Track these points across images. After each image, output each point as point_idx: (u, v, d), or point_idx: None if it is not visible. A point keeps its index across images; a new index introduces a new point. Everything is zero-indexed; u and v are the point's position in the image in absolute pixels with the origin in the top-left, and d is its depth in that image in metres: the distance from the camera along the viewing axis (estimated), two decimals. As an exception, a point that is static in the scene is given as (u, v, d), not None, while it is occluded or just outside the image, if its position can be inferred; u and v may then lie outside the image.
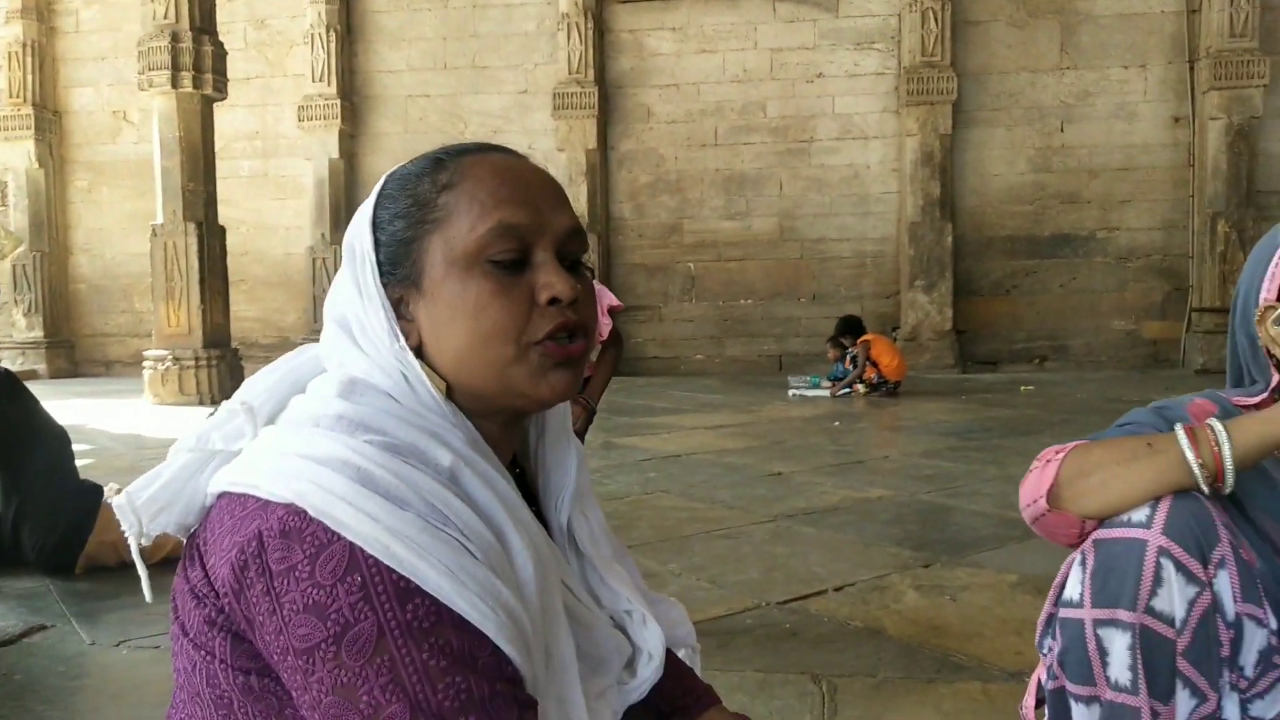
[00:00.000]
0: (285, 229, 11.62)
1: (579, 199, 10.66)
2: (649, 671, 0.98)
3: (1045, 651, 1.26)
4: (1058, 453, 1.23)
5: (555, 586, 0.86)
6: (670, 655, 1.07)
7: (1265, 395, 1.27)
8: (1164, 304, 10.37)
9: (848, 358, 8.56)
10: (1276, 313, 1.22)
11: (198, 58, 8.13)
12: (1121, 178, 10.33)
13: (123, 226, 11.66)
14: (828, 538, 3.55)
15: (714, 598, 2.86)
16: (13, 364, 11.18)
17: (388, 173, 0.92)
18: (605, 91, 10.93)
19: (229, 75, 8.68)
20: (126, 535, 0.87)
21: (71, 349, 11.86)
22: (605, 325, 3.26)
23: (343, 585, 0.72)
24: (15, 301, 11.50)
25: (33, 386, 3.42)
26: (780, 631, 2.57)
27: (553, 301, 0.84)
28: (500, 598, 0.76)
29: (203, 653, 0.80)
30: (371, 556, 0.72)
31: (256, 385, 0.91)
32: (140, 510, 0.86)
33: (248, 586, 0.75)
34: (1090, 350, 10.41)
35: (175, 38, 8.05)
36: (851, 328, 8.63)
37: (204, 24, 8.27)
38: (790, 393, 8.46)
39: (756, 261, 10.90)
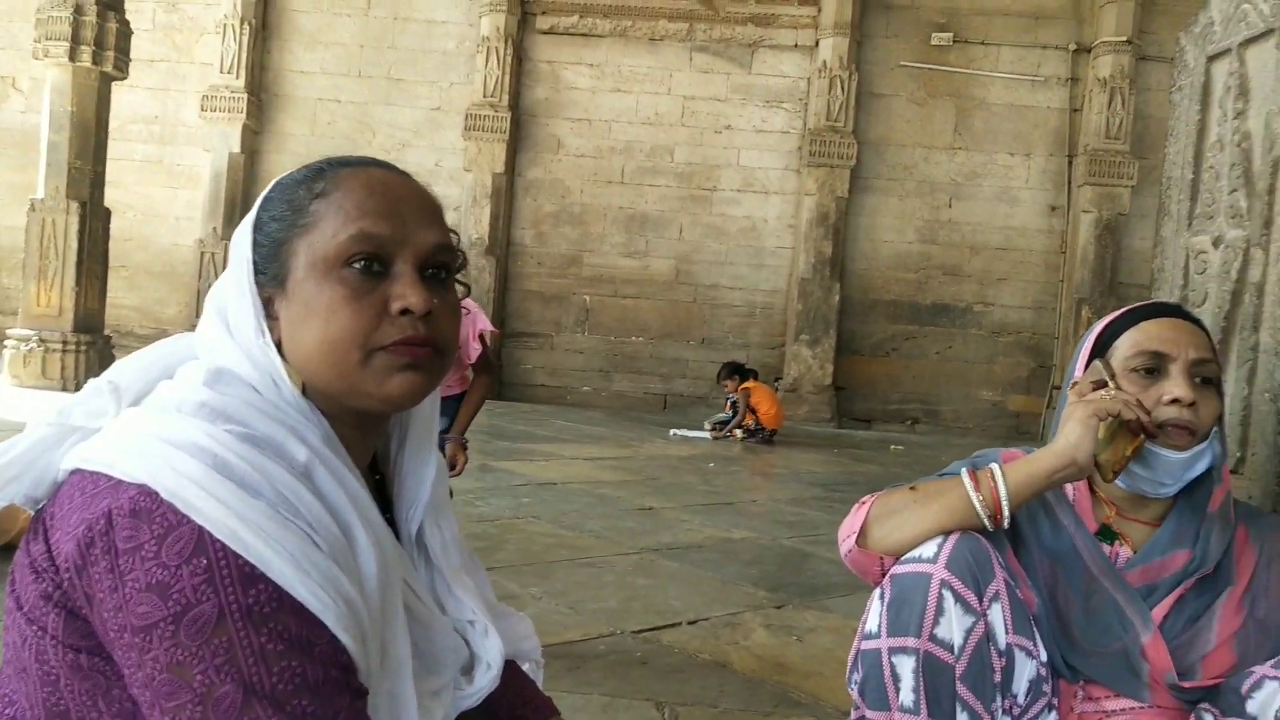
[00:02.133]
0: (175, 219, 11.27)
1: (482, 220, 10.68)
2: (485, 681, 1.01)
3: (852, 686, 1.37)
4: (873, 498, 1.36)
5: (396, 586, 0.89)
6: (513, 667, 1.12)
7: None
8: (1029, 379, 10.95)
9: (729, 402, 8.78)
10: (1079, 385, 1.38)
11: (100, 33, 7.90)
12: (1000, 256, 10.91)
13: (-1, 197, 11.14)
14: (688, 573, 3.66)
15: (570, 622, 2.92)
16: None
17: (277, 178, 0.96)
18: (518, 118, 11.01)
19: (133, 55, 8.43)
20: None
21: (-73, 319, 11.22)
22: (474, 349, 3.23)
23: (188, 566, 0.73)
24: None
25: None
26: (631, 659, 2.66)
27: (404, 312, 0.87)
28: (341, 589, 0.79)
29: (35, 628, 0.81)
30: (219, 541, 0.74)
31: (126, 366, 0.94)
32: None
33: (91, 564, 0.76)
34: (959, 417, 10.90)
35: (79, 9, 7.80)
36: (735, 370, 8.85)
37: None
38: (671, 432, 8.62)
39: (651, 301, 11.09)
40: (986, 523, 1.29)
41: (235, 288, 0.91)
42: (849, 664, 1.40)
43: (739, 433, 8.46)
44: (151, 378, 0.92)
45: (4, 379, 7.90)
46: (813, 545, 4.38)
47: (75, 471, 0.82)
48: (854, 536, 1.35)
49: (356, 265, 0.87)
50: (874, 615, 1.30)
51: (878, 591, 1.33)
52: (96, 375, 0.92)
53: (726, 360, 9.74)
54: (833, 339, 10.66)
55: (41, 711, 0.81)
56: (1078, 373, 1.43)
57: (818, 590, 3.58)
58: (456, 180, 10.67)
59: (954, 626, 1.23)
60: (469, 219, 10.70)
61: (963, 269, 10.93)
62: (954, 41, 10.84)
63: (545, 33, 11.11)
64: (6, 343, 8.01)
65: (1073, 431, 1.27)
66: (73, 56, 7.82)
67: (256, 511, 0.77)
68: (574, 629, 2.85)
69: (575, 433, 8.20)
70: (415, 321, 0.88)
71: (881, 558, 1.33)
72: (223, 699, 0.72)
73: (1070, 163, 10.80)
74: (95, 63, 7.92)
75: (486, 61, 10.81)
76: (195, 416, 0.82)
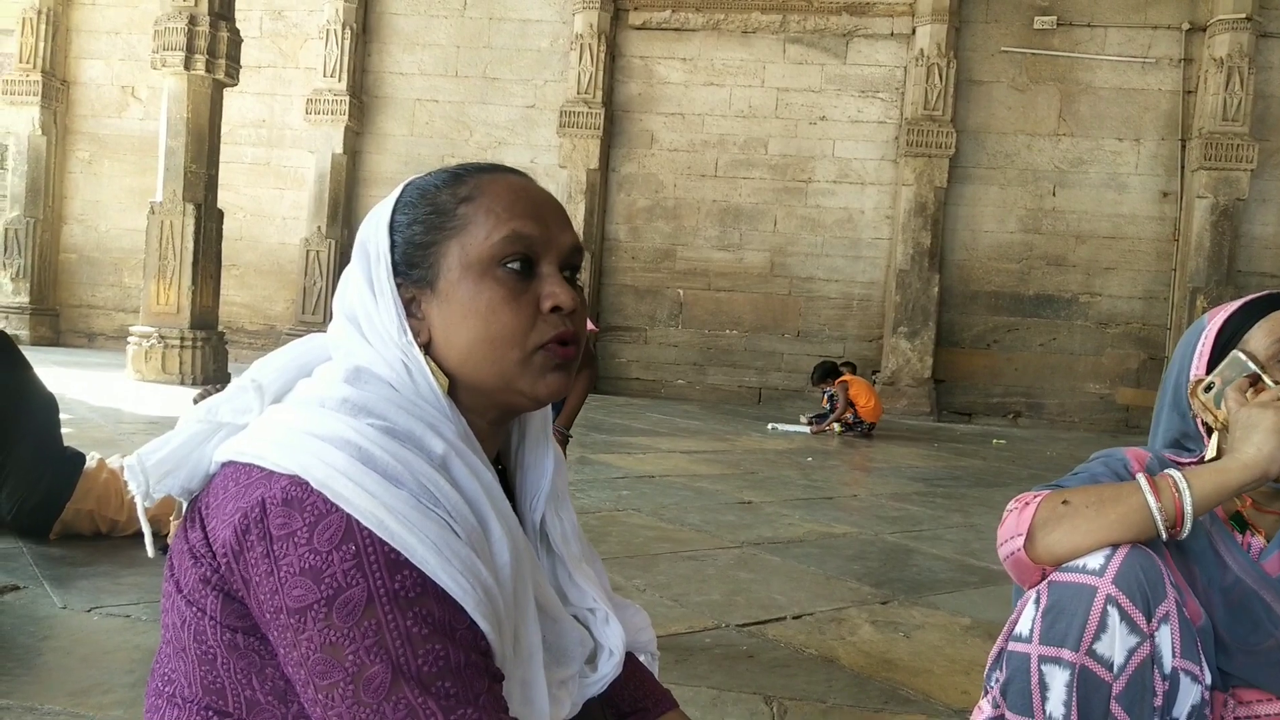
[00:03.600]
0: (282, 219, 11.66)
1: (577, 216, 10.77)
2: (609, 667, 1.03)
3: (992, 684, 1.34)
4: (1035, 497, 1.31)
5: (528, 576, 0.92)
6: (631, 658, 1.13)
7: (1195, 461, 1.37)
8: (1139, 372, 10.56)
9: (825, 396, 8.68)
10: (1204, 383, 1.32)
11: (213, 42, 8.20)
12: (1108, 245, 10.54)
13: (120, 201, 11.68)
14: (790, 568, 3.64)
15: (675, 615, 2.93)
16: (-5, 327, 11.15)
17: (406, 181, 0.98)
18: (612, 114, 11.07)
19: (242, 62, 8.75)
20: (133, 494, 0.93)
21: (56, 317, 11.84)
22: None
23: (338, 552, 0.77)
24: (4, 265, 11.48)
25: None
26: (737, 653, 2.65)
27: (555, 310, 0.92)
28: (479, 576, 0.82)
29: (194, 609, 0.85)
30: (366, 528, 0.78)
31: (267, 366, 0.98)
32: (150, 471, 0.92)
33: (248, 549, 0.80)
34: (1064, 410, 10.58)
35: (193, 20, 8.12)
36: (828, 373, 8.74)
37: (222, 9, 8.34)
38: (769, 426, 8.56)
39: (745, 294, 11.03)
40: (1163, 533, 1.24)
41: (371, 290, 0.93)
42: (990, 660, 1.37)
43: (837, 426, 8.36)
44: (289, 376, 0.96)
45: (128, 373, 8.29)
46: (915, 540, 4.31)
47: (228, 464, 0.87)
48: (1020, 539, 1.29)
49: (511, 266, 0.91)
50: (1026, 619, 1.27)
51: (1032, 595, 1.29)
52: (211, 370, 0.98)
53: (825, 353, 9.65)
54: (932, 331, 10.45)
55: (199, 689, 0.86)
56: (1196, 369, 1.36)
57: (923, 586, 3.52)
58: (552, 177, 10.79)
59: (1116, 645, 1.19)
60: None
61: (1067, 259, 10.59)
62: (1057, 25, 10.50)
63: (638, 28, 11.13)
64: (129, 339, 8.40)
65: (1266, 442, 1.20)
66: (188, 65, 8.13)
67: (400, 500, 0.80)
68: (679, 621, 2.86)
69: (671, 426, 8.22)
70: (564, 318, 0.92)
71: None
72: (373, 679, 0.76)
73: (1183, 147, 10.36)
74: (208, 70, 8.22)
75: (580, 58, 10.89)
76: (339, 411, 0.86)
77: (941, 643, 2.88)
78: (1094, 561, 1.22)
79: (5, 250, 11.47)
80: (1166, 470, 1.26)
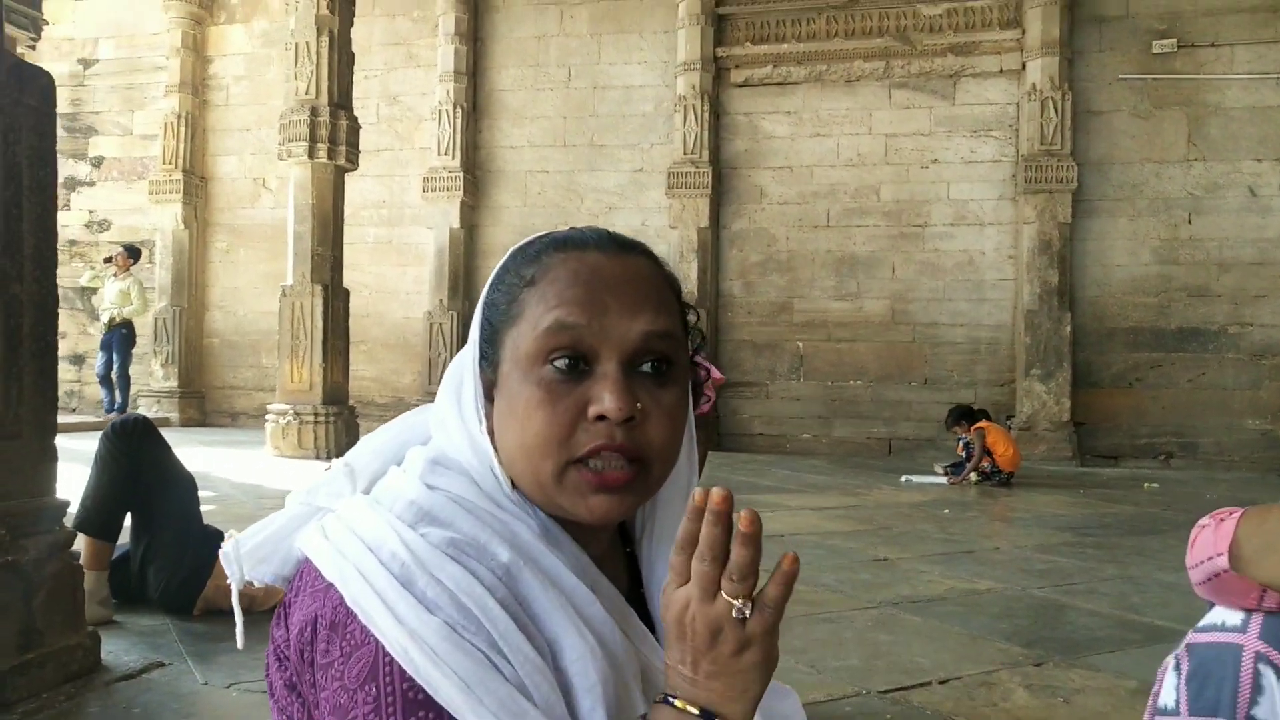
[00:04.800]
0: (405, 294, 12.04)
1: (690, 275, 10.77)
2: None
3: None
4: (1230, 513, 1.17)
5: (634, 689, 0.81)
6: None
7: None
8: (1303, 405, 9.83)
9: (960, 444, 8.35)
10: None
11: (333, 131, 8.60)
12: (1255, 272, 9.92)
13: (255, 286, 12.28)
14: (933, 628, 3.45)
15: (813, 682, 2.79)
16: (149, 411, 11.80)
17: (514, 246, 0.91)
18: (719, 171, 11.10)
19: (360, 147, 9.13)
20: (229, 581, 0.91)
21: (202, 399, 12.45)
22: (705, 400, 3.17)
23: (362, 692, 0.71)
24: (155, 352, 12.17)
25: (166, 434, 3.60)
26: (881, 721, 2.50)
27: (601, 418, 0.79)
28: (523, 716, 0.71)
29: (284, 717, 0.82)
30: (390, 661, 0.71)
31: (365, 446, 0.94)
32: (244, 558, 0.89)
33: (304, 670, 0.77)
34: (1221, 449, 9.91)
35: (314, 112, 8.54)
36: (963, 415, 8.41)
37: (341, 100, 8.75)
38: (903, 479, 8.27)
39: (867, 343, 10.79)
40: None
41: (467, 367, 0.88)
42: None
43: (974, 476, 8.02)
44: (387, 457, 0.91)
45: (267, 450, 8.61)
46: (1068, 596, 4.04)
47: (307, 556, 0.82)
48: (1224, 556, 1.13)
49: (557, 363, 0.80)
50: (1169, 689, 1.13)
51: (1170, 661, 1.15)
52: (344, 444, 0.94)
53: (954, 400, 9.31)
54: (1067, 372, 9.98)
55: None
56: None
57: (1079, 646, 3.28)
58: (663, 238, 10.84)
59: (1278, 707, 1.04)
60: (676, 274, 10.78)
61: (1211, 288, 10.01)
62: (1178, 47, 10.07)
63: (740, 86, 11.19)
64: (267, 417, 8.74)
65: None
66: (311, 154, 8.54)
67: (430, 629, 0.72)
68: (817, 689, 2.72)
69: (798, 482, 8.03)
70: (613, 429, 0.79)
71: (1263, 588, 1.12)
72: None
73: (1332, 162, 9.73)
74: (330, 158, 8.62)
75: (685, 120, 10.98)
76: (400, 517, 0.80)
77: (1106, 708, 2.66)
78: (1233, 618, 1.09)
79: (155, 338, 12.16)
80: None
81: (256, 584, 0.91)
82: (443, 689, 0.70)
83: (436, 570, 0.75)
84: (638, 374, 0.82)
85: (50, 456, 2.69)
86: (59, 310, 2.81)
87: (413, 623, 0.72)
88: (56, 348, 2.77)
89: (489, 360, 0.85)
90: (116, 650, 2.90)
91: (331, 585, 0.76)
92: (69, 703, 2.50)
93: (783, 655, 2.69)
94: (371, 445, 0.94)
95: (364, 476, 0.90)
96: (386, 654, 0.71)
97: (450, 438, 0.86)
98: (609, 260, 0.85)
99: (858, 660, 3.03)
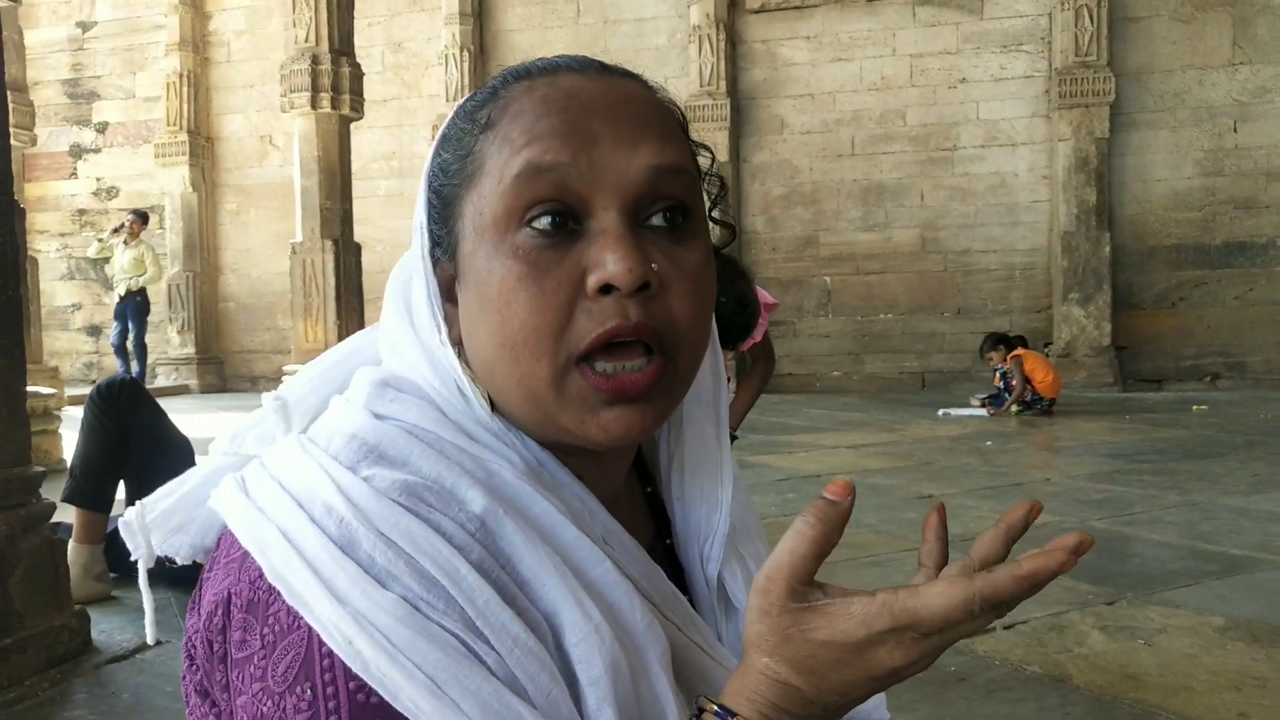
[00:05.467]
0: (419, 247, 11.77)
1: (710, 213, 10.42)
2: None
3: None
4: None
5: (655, 665, 0.58)
6: None
7: None
8: (1360, 316, 9.40)
9: (996, 374, 8.04)
10: None
11: (336, 79, 8.27)
12: (1305, 180, 9.44)
13: (268, 246, 12.05)
14: (990, 568, 3.19)
15: (865, 633, 2.55)
16: (166, 379, 11.70)
17: (458, 103, 0.67)
18: (737, 103, 10.69)
19: (366, 97, 8.81)
20: (134, 558, 0.67)
21: (220, 365, 12.32)
22: (760, 329, 2.87)
23: (291, 696, 0.51)
24: (170, 319, 12.02)
25: (184, 401, 3.39)
26: (945, 676, 2.25)
27: (606, 290, 0.56)
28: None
29: None
30: (328, 653, 0.51)
31: (303, 376, 0.71)
32: (151, 526, 0.67)
33: (214, 669, 0.57)
34: (1271, 367, 9.51)
35: (315, 60, 8.21)
36: (1000, 341, 8.08)
37: (343, 46, 8.41)
38: (940, 412, 7.96)
39: (897, 274, 10.43)
40: None
41: (416, 263, 0.65)
42: None
43: (1015, 406, 7.70)
44: (327, 390, 0.68)
45: (284, 413, 8.45)
46: (1130, 526, 3.77)
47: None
48: None
49: (537, 223, 0.57)
50: None
51: None
52: None
53: (988, 329, 8.96)
54: (1107, 295, 9.58)
55: None
56: None
57: (1153, 581, 3.02)
58: (681, 175, 10.46)
59: None
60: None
61: (1258, 199, 9.53)
62: (1220, -56, 9.50)
63: (756, 12, 10.72)
64: (284, 378, 8.57)
65: None
66: (314, 104, 8.23)
67: (383, 609, 0.51)
68: (870, 641, 2.48)
69: (831, 420, 7.75)
70: (624, 303, 0.56)
71: None
72: None
73: (1386, 58, 9.18)
74: (334, 107, 8.29)
75: (700, 50, 10.56)
76: (337, 457, 0.58)
77: (1194, 650, 2.40)
78: None
79: (170, 305, 12.00)
80: None
81: (179, 560, 0.68)
82: (404, 691, 0.49)
83: (387, 527, 0.53)
84: (647, 228, 0.59)
85: (19, 423, 2.46)
86: (24, 263, 2.58)
87: (358, 601, 0.51)
88: (20, 304, 2.53)
89: (444, 246, 0.63)
90: (110, 629, 2.70)
91: (248, 554, 0.55)
92: (53, 689, 2.30)
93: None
94: (309, 375, 0.71)
95: (300, 414, 0.68)
96: (323, 644, 0.51)
97: (403, 358, 0.65)
98: (590, 82, 0.61)
99: (911, 607, 2.78)
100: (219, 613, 0.56)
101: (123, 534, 0.68)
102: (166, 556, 0.68)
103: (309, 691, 0.50)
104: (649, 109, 0.61)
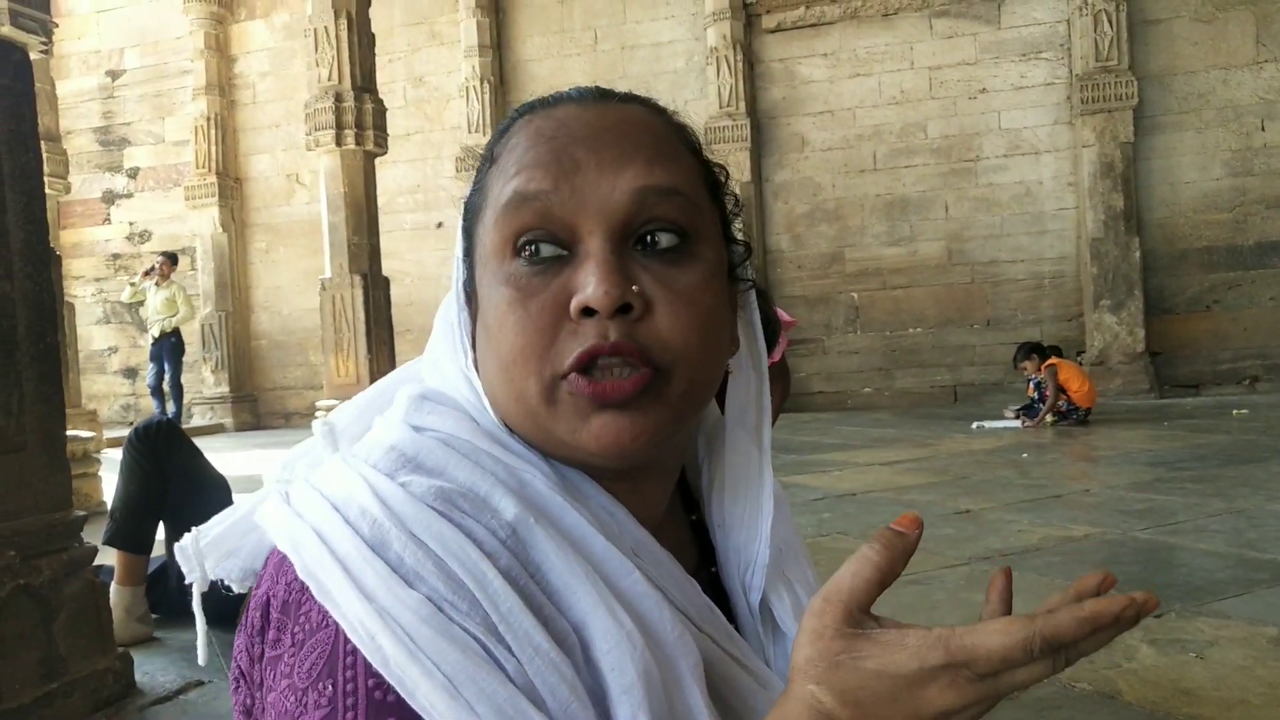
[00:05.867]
0: (448, 279, 11.65)
1: (734, 233, 10.42)
2: None
3: None
4: None
5: (692, 689, 0.58)
6: None
7: None
8: (1397, 313, 9.23)
9: (1030, 384, 7.95)
10: None
11: (359, 115, 8.39)
12: (1337, 176, 9.31)
13: (297, 283, 12.18)
14: (1032, 582, 3.14)
15: (908, 653, 2.51)
16: (202, 418, 11.82)
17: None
18: (757, 122, 10.71)
19: (390, 132, 8.92)
20: (188, 581, 0.70)
21: (254, 402, 12.44)
22: (779, 348, 2.87)
23: (314, 691, 0.52)
24: (204, 359, 12.16)
25: (219, 440, 3.43)
26: (992, 695, 2.21)
27: (588, 312, 0.58)
28: None
29: None
30: (353, 651, 0.52)
31: (351, 403, 0.74)
32: (205, 551, 0.69)
33: (253, 673, 0.58)
34: (1311, 368, 9.36)
35: (338, 98, 8.33)
36: (1034, 350, 8.00)
37: (365, 83, 8.53)
38: (974, 425, 7.88)
39: (924, 288, 10.37)
40: None
41: (457, 292, 0.70)
42: None
43: (1049, 417, 7.61)
44: (372, 414, 0.70)
45: (318, 448, 8.50)
46: (1175, 535, 3.71)
47: None
48: None
49: (525, 252, 0.60)
50: None
51: None
52: None
53: (1019, 340, 8.88)
54: (1139, 300, 9.47)
55: None
56: None
57: (1201, 591, 2.96)
58: (704, 197, 10.48)
59: None
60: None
61: (1290, 198, 9.41)
62: (1239, -58, 9.43)
63: (773, 31, 10.76)
64: (317, 413, 8.63)
65: None
66: (338, 141, 8.34)
67: (407, 608, 0.52)
68: (914, 662, 2.44)
69: (864, 437, 7.70)
70: (604, 324, 0.57)
71: None
72: None
73: None
74: (358, 143, 8.41)
75: (718, 72, 10.60)
76: (378, 464, 0.60)
77: (1248, 662, 2.35)
78: None
79: (203, 345, 12.14)
80: None
81: (231, 584, 0.70)
82: (421, 688, 0.50)
83: (419, 529, 0.55)
84: (637, 251, 0.60)
85: (60, 468, 2.49)
86: (61, 309, 2.61)
87: (384, 598, 0.52)
88: (58, 350, 2.57)
89: (470, 279, 0.67)
90: (153, 670, 2.71)
91: (285, 558, 0.57)
92: (99, 732, 2.31)
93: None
94: (358, 402, 0.75)
95: (348, 438, 0.71)
96: (348, 641, 0.52)
97: (444, 375, 0.68)
98: (584, 110, 0.64)
99: (955, 623, 2.73)
100: (258, 615, 0.58)
101: (178, 558, 0.71)
102: (221, 581, 0.71)
103: (330, 688, 0.51)
104: (641, 131, 0.62)
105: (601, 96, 0.65)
